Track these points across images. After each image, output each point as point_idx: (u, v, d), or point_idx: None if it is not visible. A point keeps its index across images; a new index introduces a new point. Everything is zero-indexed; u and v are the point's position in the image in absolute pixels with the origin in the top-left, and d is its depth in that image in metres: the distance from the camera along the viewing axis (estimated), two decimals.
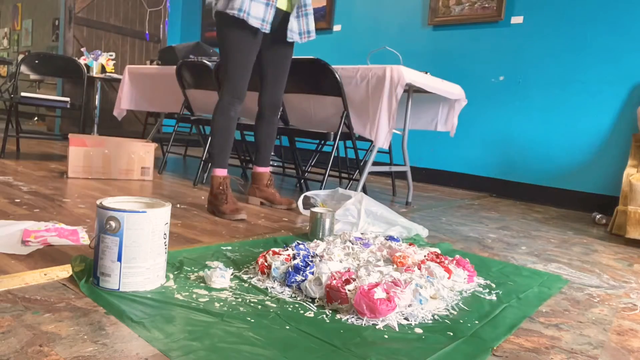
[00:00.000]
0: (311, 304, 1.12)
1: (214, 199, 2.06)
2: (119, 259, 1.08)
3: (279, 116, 2.32)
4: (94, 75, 4.65)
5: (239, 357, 0.85)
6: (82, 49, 4.97)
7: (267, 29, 1.96)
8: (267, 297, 1.14)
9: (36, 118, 8.21)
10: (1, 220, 1.56)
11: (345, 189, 2.35)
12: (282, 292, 1.18)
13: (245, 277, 1.27)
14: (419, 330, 1.03)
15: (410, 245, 1.54)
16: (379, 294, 1.06)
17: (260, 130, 2.28)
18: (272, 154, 4.12)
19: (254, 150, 2.39)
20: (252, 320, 1.01)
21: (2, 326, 0.88)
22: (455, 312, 1.15)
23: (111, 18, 5.61)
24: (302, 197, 2.22)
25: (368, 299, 1.04)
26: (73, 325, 0.91)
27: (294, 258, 1.26)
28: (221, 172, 2.11)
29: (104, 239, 1.08)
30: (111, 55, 4.90)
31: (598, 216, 2.91)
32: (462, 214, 2.74)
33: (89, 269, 1.14)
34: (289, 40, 2.06)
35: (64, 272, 1.17)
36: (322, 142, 3.33)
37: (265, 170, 2.35)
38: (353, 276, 1.17)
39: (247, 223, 1.95)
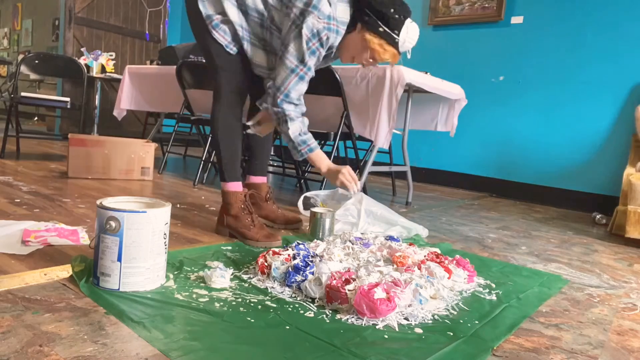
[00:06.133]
0: (311, 304, 1.12)
1: (234, 221, 1.66)
2: (119, 259, 1.08)
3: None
4: (94, 75, 4.65)
5: (239, 357, 0.85)
6: (82, 49, 4.97)
7: None
8: (267, 297, 1.14)
9: (36, 118, 8.21)
10: (1, 220, 1.56)
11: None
12: (282, 292, 1.18)
13: (245, 277, 1.27)
14: (419, 330, 1.03)
15: (410, 245, 1.54)
16: (379, 294, 1.06)
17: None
18: (272, 153, 4.06)
19: (248, 156, 1.97)
20: (252, 320, 1.01)
21: (2, 326, 0.88)
22: (455, 312, 1.15)
23: (111, 18, 5.61)
24: (302, 197, 2.22)
25: (368, 299, 1.04)
26: (73, 325, 0.91)
27: (294, 258, 1.26)
28: (238, 187, 1.70)
29: (104, 239, 1.08)
30: (111, 55, 4.90)
31: (598, 216, 2.91)
32: (462, 214, 2.74)
33: (89, 269, 1.14)
34: None
35: (64, 272, 1.17)
36: (322, 142, 3.33)
37: (263, 180, 1.93)
38: (353, 276, 1.17)
39: None
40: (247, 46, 1.64)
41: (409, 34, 1.56)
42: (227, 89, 1.69)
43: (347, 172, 1.68)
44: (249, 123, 1.76)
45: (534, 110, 3.63)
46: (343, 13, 1.54)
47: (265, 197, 1.91)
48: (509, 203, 3.44)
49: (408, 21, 1.55)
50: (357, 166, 2.82)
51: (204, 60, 3.01)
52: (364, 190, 2.70)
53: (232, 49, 1.64)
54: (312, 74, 1.58)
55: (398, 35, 1.54)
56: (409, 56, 1.64)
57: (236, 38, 1.63)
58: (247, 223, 1.65)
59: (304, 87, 1.58)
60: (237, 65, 1.67)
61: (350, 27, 1.57)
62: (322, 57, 1.61)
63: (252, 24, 1.62)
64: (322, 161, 1.68)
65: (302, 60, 1.52)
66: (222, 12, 1.60)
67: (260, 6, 1.58)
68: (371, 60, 1.62)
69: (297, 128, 1.59)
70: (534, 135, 3.63)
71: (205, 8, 1.61)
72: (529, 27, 3.65)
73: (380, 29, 1.53)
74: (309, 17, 1.47)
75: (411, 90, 2.79)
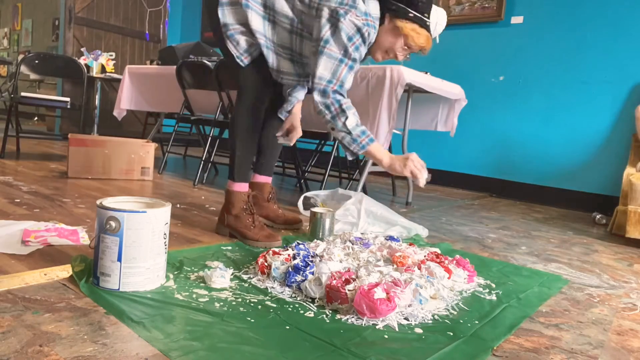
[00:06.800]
0: (311, 304, 1.12)
1: (235, 220, 1.66)
2: (119, 259, 1.08)
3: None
4: (94, 75, 4.64)
5: (239, 357, 0.85)
6: (82, 49, 4.97)
7: None
8: (267, 297, 1.14)
9: (36, 118, 8.21)
10: (1, 220, 1.56)
11: (345, 189, 2.35)
12: (282, 292, 1.18)
13: (245, 277, 1.27)
14: (419, 330, 1.03)
15: (410, 245, 1.54)
16: (379, 294, 1.06)
17: (270, 130, 1.85)
18: None
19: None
20: (252, 320, 1.01)
21: (2, 326, 0.88)
22: (455, 312, 1.15)
23: (111, 18, 5.61)
24: (302, 197, 2.22)
25: (368, 299, 1.04)
26: (73, 325, 0.91)
27: (294, 258, 1.26)
28: (243, 187, 1.69)
29: (104, 239, 1.08)
30: (111, 55, 4.90)
31: (598, 216, 2.91)
32: (462, 214, 2.74)
33: (89, 269, 1.14)
34: None
35: (64, 272, 1.17)
36: (322, 142, 3.34)
37: (267, 180, 1.93)
38: (353, 276, 1.17)
39: None
40: (270, 56, 1.62)
41: (439, 17, 1.60)
42: (249, 94, 1.68)
43: (416, 159, 1.54)
44: (278, 134, 1.75)
45: (534, 110, 3.63)
46: (374, 9, 1.54)
47: (267, 197, 1.90)
48: (509, 203, 3.44)
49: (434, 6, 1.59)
50: (357, 166, 2.82)
51: (203, 61, 3.02)
52: (364, 190, 2.70)
53: (243, 61, 1.62)
54: (357, 67, 1.55)
55: (428, 17, 1.56)
56: (437, 41, 1.68)
57: (251, 49, 1.62)
58: (248, 223, 1.64)
59: (352, 80, 1.54)
60: (254, 74, 1.65)
61: (380, 22, 1.57)
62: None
63: (280, 31, 1.60)
64: (383, 152, 1.57)
65: (346, 52, 1.49)
66: (245, 23, 1.58)
67: (289, 12, 1.57)
68: (406, 47, 1.61)
69: (355, 119, 1.53)
70: (534, 135, 3.63)
71: (224, 16, 1.60)
72: (529, 27, 3.65)
73: (410, 14, 1.54)
74: (348, 15, 1.46)
75: (411, 90, 2.79)
